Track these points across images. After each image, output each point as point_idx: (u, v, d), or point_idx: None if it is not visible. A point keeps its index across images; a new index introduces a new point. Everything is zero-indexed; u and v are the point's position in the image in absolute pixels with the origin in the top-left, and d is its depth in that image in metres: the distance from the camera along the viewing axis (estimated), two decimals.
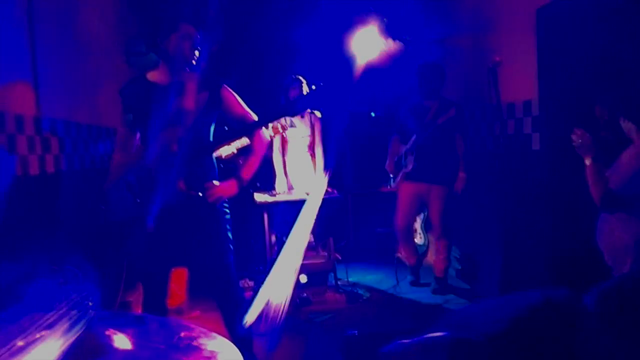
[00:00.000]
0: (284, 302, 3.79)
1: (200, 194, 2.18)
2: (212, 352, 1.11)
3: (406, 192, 4.03)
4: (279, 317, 3.65)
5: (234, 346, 1.22)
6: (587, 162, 2.22)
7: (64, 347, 0.97)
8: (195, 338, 1.18)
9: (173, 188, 2.12)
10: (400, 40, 5.14)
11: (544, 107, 3.08)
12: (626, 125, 2.19)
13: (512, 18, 3.45)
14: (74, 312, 1.07)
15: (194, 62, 2.25)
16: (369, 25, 4.20)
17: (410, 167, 3.94)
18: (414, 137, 3.90)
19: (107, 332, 1.04)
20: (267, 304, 3.85)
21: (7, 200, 2.32)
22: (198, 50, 2.25)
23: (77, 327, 1.03)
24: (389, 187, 4.22)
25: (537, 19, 3.08)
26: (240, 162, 2.43)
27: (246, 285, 4.27)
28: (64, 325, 1.03)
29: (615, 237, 2.20)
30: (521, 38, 3.26)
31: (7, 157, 2.44)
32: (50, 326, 1.03)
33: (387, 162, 4.19)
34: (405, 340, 1.09)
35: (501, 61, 2.75)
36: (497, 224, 2.91)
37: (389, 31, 4.90)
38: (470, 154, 4.04)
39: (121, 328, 1.09)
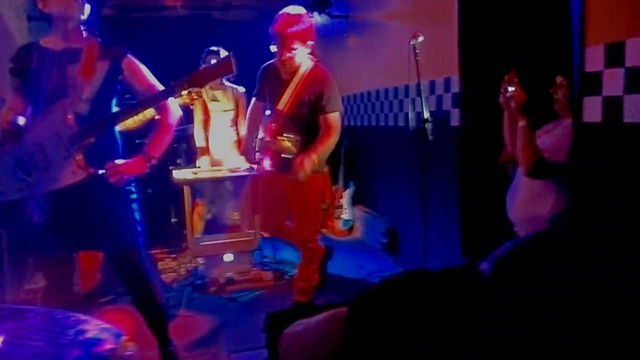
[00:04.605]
0: (207, 281, 3.69)
1: (102, 172, 2.01)
2: (101, 347, 1.00)
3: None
4: (202, 297, 3.56)
5: (130, 340, 1.12)
6: (522, 123, 2.21)
7: None
8: (84, 332, 1.06)
9: (70, 165, 1.94)
10: (325, 15, 5.08)
11: (464, 84, 3.14)
12: (558, 99, 2.26)
13: None
14: None
15: (82, 20, 2.03)
16: None
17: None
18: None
19: None
20: (190, 284, 3.74)
21: None
22: (87, 8, 2.04)
23: None
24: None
25: None
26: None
27: (167, 265, 4.12)
28: None
29: (531, 207, 2.27)
30: (443, 15, 3.28)
31: None
32: None
33: (246, 136, 3.26)
34: (304, 320, 1.06)
35: (422, 37, 2.74)
36: (417, 197, 2.96)
37: (314, 5, 4.81)
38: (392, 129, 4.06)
39: None
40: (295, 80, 2.93)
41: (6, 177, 2.01)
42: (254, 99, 3.17)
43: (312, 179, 2.95)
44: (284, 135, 2.80)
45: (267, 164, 2.95)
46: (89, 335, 1.06)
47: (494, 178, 2.56)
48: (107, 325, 1.14)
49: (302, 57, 2.92)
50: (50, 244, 2.07)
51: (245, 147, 3.31)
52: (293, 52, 2.84)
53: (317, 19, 4.64)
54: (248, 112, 3.24)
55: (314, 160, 2.73)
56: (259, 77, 3.10)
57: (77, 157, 1.97)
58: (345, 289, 3.63)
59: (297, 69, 2.93)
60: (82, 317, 1.16)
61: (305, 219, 3.07)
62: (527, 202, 2.29)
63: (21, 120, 2.04)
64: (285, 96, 2.93)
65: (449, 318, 0.98)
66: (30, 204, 1.96)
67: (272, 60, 3.04)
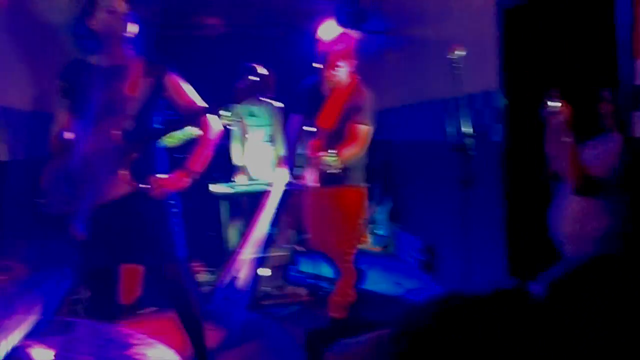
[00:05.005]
0: (244, 296, 3.70)
1: (145, 186, 2.05)
2: None
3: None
4: (238, 312, 3.57)
5: (176, 355, 1.13)
6: (567, 139, 2.15)
7: None
8: (130, 346, 1.07)
9: (115, 179, 1.99)
10: (360, 31, 5.08)
11: (505, 98, 3.08)
12: (605, 113, 2.19)
13: (473, 5, 3.43)
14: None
15: (128, 38, 2.09)
16: (329, 14, 4.11)
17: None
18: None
19: (23, 343, 0.93)
20: (227, 298, 3.76)
21: None
22: (133, 27, 2.10)
23: None
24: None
25: (498, 6, 3.06)
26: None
27: (204, 279, 4.15)
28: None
29: (578, 226, 2.19)
30: (482, 27, 3.24)
31: None
32: None
33: (289, 148, 3.26)
34: (349, 340, 1.03)
35: (462, 51, 2.71)
36: (457, 215, 2.90)
37: (349, 21, 4.83)
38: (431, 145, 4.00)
39: (43, 337, 0.98)
40: (337, 96, 2.98)
41: (54, 190, 2.08)
42: (294, 115, 3.21)
43: (353, 193, 3.04)
44: (329, 151, 2.80)
45: (310, 178, 2.96)
46: (135, 349, 1.07)
47: (540, 195, 2.48)
48: (151, 340, 1.15)
49: (345, 74, 2.98)
50: (94, 256, 2.12)
51: (285, 162, 3.35)
52: (338, 70, 2.91)
53: (354, 34, 4.67)
54: (287, 127, 3.28)
55: (336, 157, 2.67)
56: (301, 93, 3.16)
57: (121, 172, 2.02)
58: (382, 306, 3.58)
59: (338, 85, 2.98)
60: (128, 330, 1.17)
61: (344, 232, 3.08)
62: (574, 221, 2.21)
63: (69, 136, 2.12)
64: (327, 112, 2.98)
65: (500, 343, 0.94)
66: (75, 217, 2.01)
67: (313, 76, 3.10)
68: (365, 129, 2.93)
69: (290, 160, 3.25)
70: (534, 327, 0.96)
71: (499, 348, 0.93)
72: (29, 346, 0.93)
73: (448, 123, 3.82)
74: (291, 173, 3.29)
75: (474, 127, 2.82)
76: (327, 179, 2.86)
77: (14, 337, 0.90)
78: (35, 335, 0.99)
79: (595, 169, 2.13)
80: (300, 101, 3.15)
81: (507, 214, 3.03)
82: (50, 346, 0.96)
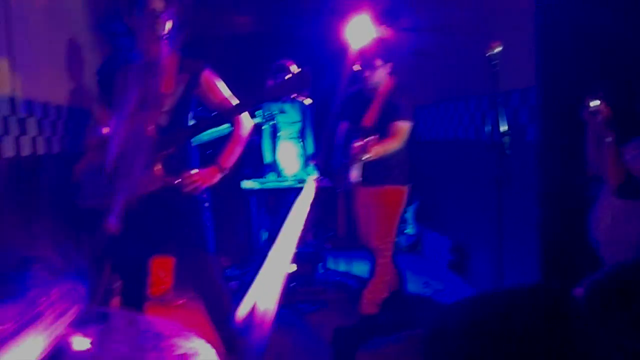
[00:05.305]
0: (274, 293, 3.71)
1: (178, 181, 2.08)
2: (182, 354, 1.02)
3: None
4: (268, 309, 3.57)
5: (209, 346, 1.13)
6: (608, 139, 2.10)
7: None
8: (165, 337, 1.08)
9: (149, 174, 2.02)
10: (395, 29, 5.03)
11: (542, 96, 3.00)
12: None
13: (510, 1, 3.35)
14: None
15: (164, 36, 2.12)
16: (362, 12, 4.08)
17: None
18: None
19: (62, 333, 0.95)
20: (257, 295, 3.77)
21: None
22: (169, 24, 2.13)
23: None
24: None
25: (536, 2, 2.98)
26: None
27: (232, 274, 4.19)
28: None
29: (618, 229, 2.12)
30: (518, 21, 3.16)
31: None
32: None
33: (331, 148, 3.41)
34: (381, 339, 1.02)
35: (500, 47, 2.64)
36: (489, 215, 2.84)
37: (383, 18, 4.79)
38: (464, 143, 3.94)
39: (80, 326, 1.00)
40: (379, 97, 3.06)
41: (89, 184, 2.13)
42: (342, 121, 3.31)
43: (394, 193, 3.14)
44: (364, 140, 2.87)
45: (354, 174, 3.04)
46: (169, 340, 1.08)
47: (577, 196, 2.41)
48: (185, 331, 1.16)
49: (384, 74, 3.07)
50: (127, 248, 2.16)
51: (316, 159, 3.44)
52: (375, 70, 3.02)
53: (385, 32, 4.63)
54: (336, 132, 3.37)
55: (372, 150, 2.81)
56: (346, 100, 3.28)
57: (156, 167, 2.05)
58: (411, 305, 3.53)
59: (379, 86, 3.08)
60: (162, 321, 1.19)
61: (382, 228, 3.15)
62: (614, 224, 2.14)
63: (105, 131, 2.16)
64: (370, 113, 3.07)
65: (537, 346, 0.91)
66: (110, 210, 2.05)
67: (358, 81, 3.20)
68: (405, 126, 3.02)
69: (324, 159, 3.35)
70: (575, 331, 0.93)
71: (535, 351, 0.90)
72: (68, 335, 0.95)
73: (483, 121, 3.75)
74: (323, 171, 3.39)
75: (510, 126, 2.76)
76: (372, 178, 3.00)
77: (56, 328, 0.92)
78: (72, 325, 1.01)
79: (636, 170, 2.05)
80: (345, 106, 3.27)
81: (543, 215, 2.96)
82: (86, 335, 0.98)
